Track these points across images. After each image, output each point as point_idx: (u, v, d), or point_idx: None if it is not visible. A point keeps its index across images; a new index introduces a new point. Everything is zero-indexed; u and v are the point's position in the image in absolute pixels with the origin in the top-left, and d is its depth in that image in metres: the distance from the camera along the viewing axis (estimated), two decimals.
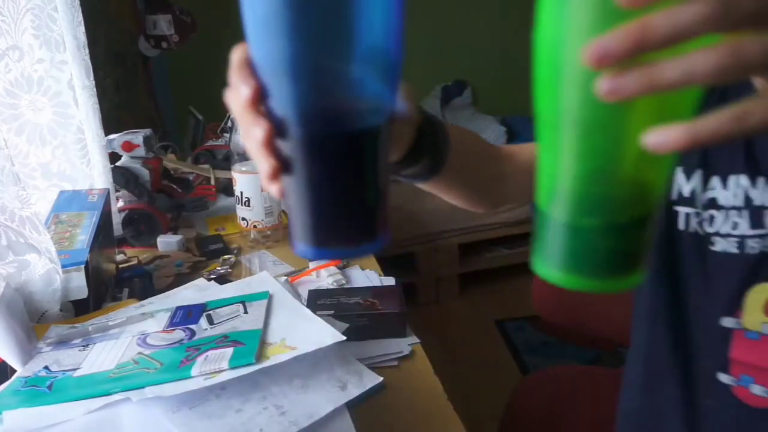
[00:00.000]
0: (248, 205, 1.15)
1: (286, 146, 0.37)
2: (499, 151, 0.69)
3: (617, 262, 0.34)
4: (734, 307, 0.65)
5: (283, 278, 0.95)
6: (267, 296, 0.80)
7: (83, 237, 0.90)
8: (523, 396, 1.24)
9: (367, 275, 1.03)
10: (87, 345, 0.72)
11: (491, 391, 1.65)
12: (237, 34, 0.38)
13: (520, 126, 2.94)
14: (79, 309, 0.86)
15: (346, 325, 0.80)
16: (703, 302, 0.68)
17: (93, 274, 0.87)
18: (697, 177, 0.66)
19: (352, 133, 0.37)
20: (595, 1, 0.26)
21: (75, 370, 0.66)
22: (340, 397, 0.65)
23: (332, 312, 0.82)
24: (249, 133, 0.37)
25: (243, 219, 1.18)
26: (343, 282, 0.99)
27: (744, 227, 0.64)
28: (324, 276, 1.00)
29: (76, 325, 0.77)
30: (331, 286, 0.97)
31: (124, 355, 0.68)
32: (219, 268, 1.06)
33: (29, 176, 1.10)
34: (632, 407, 0.78)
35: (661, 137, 0.28)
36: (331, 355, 0.70)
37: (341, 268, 1.04)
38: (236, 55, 0.37)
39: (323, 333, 0.70)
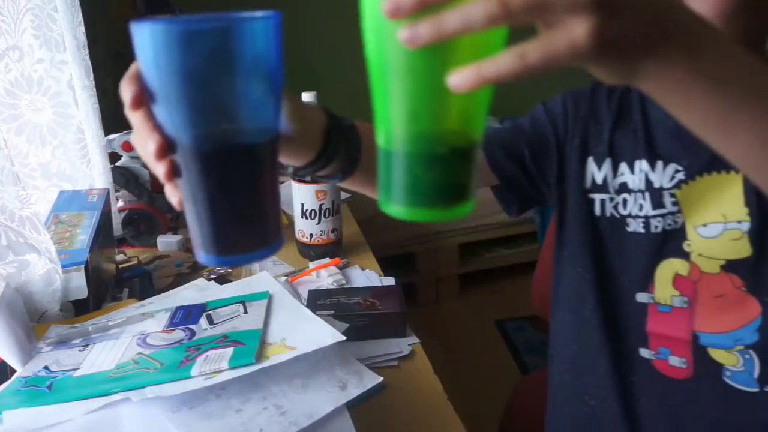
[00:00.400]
0: None
1: (178, 160, 0.40)
2: None
3: (448, 193, 0.38)
4: (647, 283, 0.71)
5: (283, 278, 0.95)
6: (267, 296, 0.80)
7: (83, 237, 0.90)
8: (523, 396, 1.23)
9: (367, 275, 1.03)
10: (87, 345, 0.72)
11: (491, 391, 1.65)
12: None
13: None
14: (79, 309, 0.86)
15: (346, 325, 0.80)
16: (623, 281, 0.73)
17: (93, 274, 0.87)
18: (607, 165, 0.73)
19: (238, 152, 0.41)
20: None
21: (75, 370, 0.66)
22: (340, 397, 0.65)
23: (332, 312, 0.82)
24: (143, 146, 0.40)
25: None
26: (343, 282, 0.99)
27: (647, 208, 0.70)
28: (324, 276, 1.00)
29: (76, 325, 0.77)
30: (331, 286, 0.97)
31: (124, 355, 0.68)
32: (219, 268, 1.06)
33: (29, 176, 1.10)
34: (569, 388, 0.81)
35: (457, 78, 0.32)
36: (331, 355, 0.70)
37: (341, 268, 1.04)
38: (132, 67, 0.41)
39: (323, 333, 0.70)
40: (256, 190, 0.42)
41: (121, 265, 1.06)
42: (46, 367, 0.67)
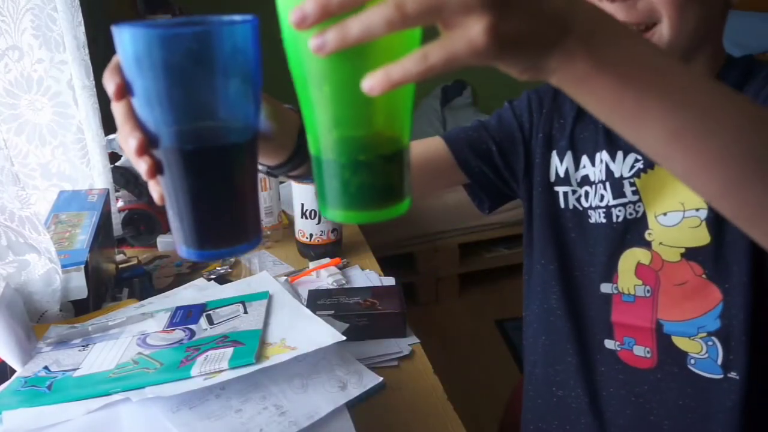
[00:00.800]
0: None
1: (160, 157, 0.41)
2: None
3: (379, 195, 0.39)
4: (611, 274, 0.72)
5: (283, 278, 0.95)
6: (267, 296, 0.80)
7: (83, 237, 0.90)
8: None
9: (367, 275, 1.03)
10: (87, 345, 0.72)
11: (491, 391, 1.65)
12: None
13: None
14: (79, 309, 0.86)
15: (346, 325, 0.80)
16: (588, 272, 0.74)
17: (93, 274, 0.87)
18: (568, 158, 0.74)
19: (218, 151, 0.42)
20: None
21: (75, 370, 0.66)
22: (340, 397, 0.65)
23: (332, 312, 0.82)
24: (125, 142, 0.41)
25: None
26: (343, 282, 0.99)
27: (608, 197, 0.71)
28: (324, 276, 1.00)
29: (76, 325, 0.77)
30: (331, 286, 0.97)
31: (124, 355, 0.68)
32: (219, 268, 1.06)
33: (29, 176, 1.10)
34: (539, 380, 0.83)
35: (368, 82, 0.32)
36: (331, 355, 0.70)
37: (341, 268, 1.04)
38: (114, 59, 0.41)
39: (323, 333, 0.70)
40: (235, 188, 0.43)
41: (121, 265, 1.06)
42: (45, 367, 0.67)
